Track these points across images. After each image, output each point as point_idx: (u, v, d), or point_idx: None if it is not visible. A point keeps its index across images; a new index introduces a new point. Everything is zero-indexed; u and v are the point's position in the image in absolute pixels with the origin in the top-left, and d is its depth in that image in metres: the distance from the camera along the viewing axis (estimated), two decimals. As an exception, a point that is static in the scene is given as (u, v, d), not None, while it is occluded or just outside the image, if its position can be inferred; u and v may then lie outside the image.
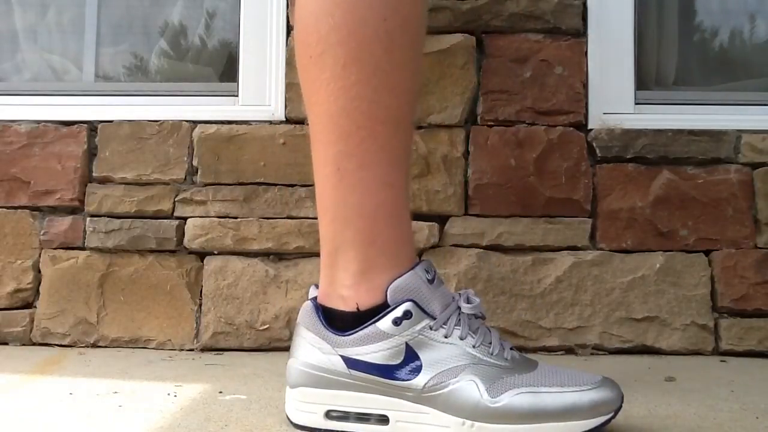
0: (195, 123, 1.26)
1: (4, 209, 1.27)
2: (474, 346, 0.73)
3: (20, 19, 1.41)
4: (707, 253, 1.22)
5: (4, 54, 1.40)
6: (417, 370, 0.73)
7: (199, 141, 1.25)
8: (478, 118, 1.25)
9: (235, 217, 1.24)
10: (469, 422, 0.71)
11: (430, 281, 0.75)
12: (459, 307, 0.75)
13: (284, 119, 1.25)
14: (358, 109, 0.74)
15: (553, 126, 1.24)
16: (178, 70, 1.40)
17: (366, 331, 0.73)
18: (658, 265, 1.21)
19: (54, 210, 1.27)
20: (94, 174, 1.27)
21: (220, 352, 1.20)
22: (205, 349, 1.22)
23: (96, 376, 1.01)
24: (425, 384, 0.72)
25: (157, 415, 0.79)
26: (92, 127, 1.28)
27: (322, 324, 0.76)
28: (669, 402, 0.87)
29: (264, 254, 1.23)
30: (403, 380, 0.73)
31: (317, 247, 1.21)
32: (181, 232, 1.24)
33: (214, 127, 1.25)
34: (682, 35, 1.37)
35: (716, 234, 1.22)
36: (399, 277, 0.74)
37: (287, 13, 1.27)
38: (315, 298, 0.79)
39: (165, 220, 1.24)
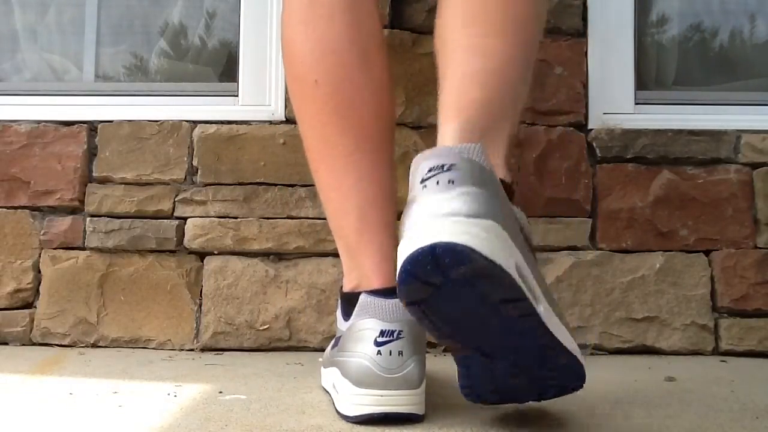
0: (195, 123, 1.26)
1: (4, 209, 1.27)
2: None
3: (20, 19, 1.41)
4: (707, 253, 1.22)
5: (4, 54, 1.40)
6: None
7: (199, 141, 1.25)
8: (478, 118, 1.24)
9: (235, 217, 1.24)
10: None
11: None
12: None
13: (284, 119, 1.25)
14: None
15: (553, 126, 1.24)
16: (178, 70, 1.40)
17: None
18: (658, 265, 1.21)
19: (54, 210, 1.26)
20: (94, 174, 1.26)
21: (220, 352, 1.20)
22: (205, 349, 1.22)
23: (96, 376, 1.01)
24: None
25: (157, 415, 0.79)
26: (92, 127, 1.28)
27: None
28: (669, 402, 0.87)
29: (264, 254, 1.23)
30: None
31: (317, 247, 1.22)
32: (181, 232, 1.24)
33: (214, 127, 1.25)
34: (682, 35, 1.37)
35: (716, 234, 1.22)
36: None
37: (287, 13, 1.27)
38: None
39: (165, 220, 1.24)
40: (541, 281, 0.70)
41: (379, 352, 0.76)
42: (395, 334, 0.76)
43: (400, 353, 0.76)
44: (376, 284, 0.82)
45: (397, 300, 0.77)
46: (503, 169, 0.76)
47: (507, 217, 0.66)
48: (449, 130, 0.72)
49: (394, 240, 0.86)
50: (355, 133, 0.87)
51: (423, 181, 0.64)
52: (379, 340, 0.76)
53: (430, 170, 0.64)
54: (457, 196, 0.62)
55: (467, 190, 0.62)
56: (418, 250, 0.62)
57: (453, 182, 0.63)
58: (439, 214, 0.62)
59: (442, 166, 0.64)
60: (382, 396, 0.75)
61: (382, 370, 0.75)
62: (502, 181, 0.71)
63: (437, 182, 0.63)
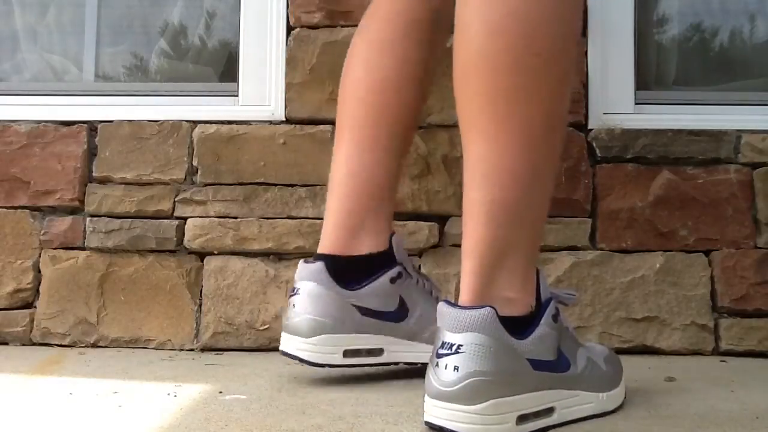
0: (195, 123, 1.26)
1: (4, 209, 1.27)
2: (567, 327, 0.81)
3: (20, 19, 1.41)
4: (707, 253, 1.22)
5: (4, 54, 1.40)
6: (567, 360, 0.79)
7: (199, 141, 1.25)
8: (478, 118, 1.24)
9: (235, 217, 1.23)
10: (602, 394, 0.81)
11: None
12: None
13: (284, 119, 1.25)
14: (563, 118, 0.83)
15: (553, 126, 1.24)
16: (178, 70, 1.40)
17: (540, 331, 0.76)
18: (658, 265, 1.21)
19: (54, 210, 1.27)
20: (94, 174, 1.26)
21: (220, 352, 1.20)
22: (205, 349, 1.22)
23: (96, 376, 1.01)
24: (581, 370, 0.80)
25: (157, 415, 0.79)
26: (92, 127, 1.28)
27: (506, 331, 0.73)
28: (669, 402, 0.87)
29: (264, 254, 1.23)
30: (566, 371, 0.78)
31: (317, 247, 1.21)
32: (181, 232, 1.24)
33: (214, 127, 1.25)
34: (682, 35, 1.37)
35: (716, 234, 1.22)
36: (538, 275, 0.80)
37: (287, 13, 1.27)
38: (481, 306, 0.73)
39: (165, 220, 1.24)
40: (574, 354, 0.81)
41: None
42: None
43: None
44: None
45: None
46: (519, 296, 0.78)
47: (510, 374, 0.73)
48: (465, 277, 0.78)
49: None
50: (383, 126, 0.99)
51: (438, 356, 0.72)
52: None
53: (442, 345, 0.72)
54: (458, 383, 0.71)
55: (468, 382, 0.71)
56: (425, 422, 0.73)
57: (457, 369, 0.71)
58: (440, 398, 0.71)
59: (451, 347, 0.71)
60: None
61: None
62: (514, 318, 0.75)
63: (446, 366, 0.71)
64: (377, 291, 0.95)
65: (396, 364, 0.97)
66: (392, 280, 0.96)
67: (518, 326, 0.75)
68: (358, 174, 0.99)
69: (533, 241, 0.81)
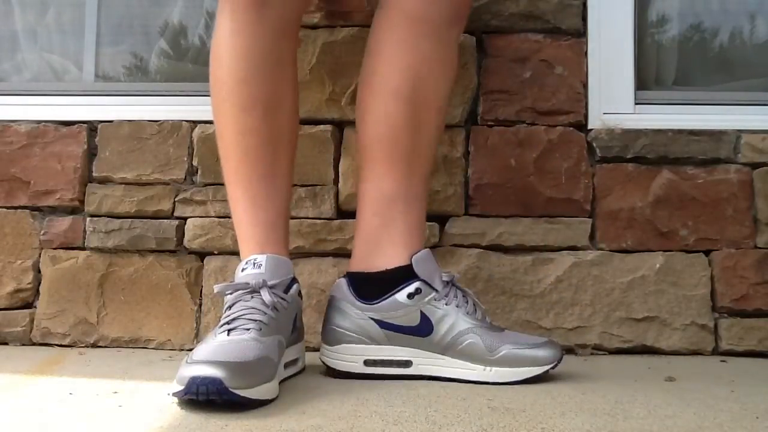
0: (195, 123, 1.26)
1: (4, 209, 1.27)
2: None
3: (20, 19, 1.41)
4: (707, 253, 1.22)
5: (4, 54, 1.40)
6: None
7: (199, 141, 1.25)
8: (478, 118, 1.25)
9: (235, 217, 1.23)
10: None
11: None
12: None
13: (284, 119, 1.25)
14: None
15: (553, 126, 1.24)
16: (178, 70, 1.40)
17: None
18: (658, 265, 1.21)
19: (54, 210, 1.27)
20: (94, 174, 1.26)
21: (220, 352, 1.20)
22: (205, 349, 1.22)
23: (96, 376, 1.01)
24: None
25: (157, 415, 0.79)
26: (92, 127, 1.28)
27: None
28: (669, 402, 0.87)
29: (264, 254, 1.23)
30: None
31: (317, 247, 1.22)
32: (181, 232, 1.24)
33: (214, 127, 1.25)
34: (682, 35, 1.37)
35: (716, 234, 1.22)
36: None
37: (287, 13, 1.27)
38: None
39: (165, 220, 1.24)
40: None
41: None
42: None
43: None
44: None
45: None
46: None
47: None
48: None
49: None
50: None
51: None
52: None
53: None
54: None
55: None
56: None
57: None
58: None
59: None
60: None
61: None
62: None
63: None
64: (393, 306, 0.98)
65: (427, 378, 0.98)
66: (410, 296, 0.98)
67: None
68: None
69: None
